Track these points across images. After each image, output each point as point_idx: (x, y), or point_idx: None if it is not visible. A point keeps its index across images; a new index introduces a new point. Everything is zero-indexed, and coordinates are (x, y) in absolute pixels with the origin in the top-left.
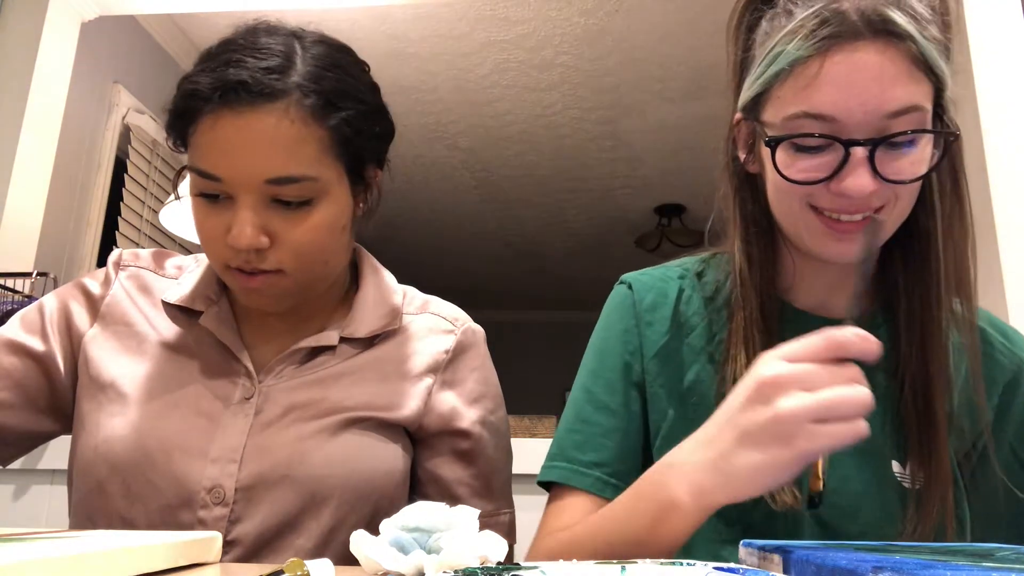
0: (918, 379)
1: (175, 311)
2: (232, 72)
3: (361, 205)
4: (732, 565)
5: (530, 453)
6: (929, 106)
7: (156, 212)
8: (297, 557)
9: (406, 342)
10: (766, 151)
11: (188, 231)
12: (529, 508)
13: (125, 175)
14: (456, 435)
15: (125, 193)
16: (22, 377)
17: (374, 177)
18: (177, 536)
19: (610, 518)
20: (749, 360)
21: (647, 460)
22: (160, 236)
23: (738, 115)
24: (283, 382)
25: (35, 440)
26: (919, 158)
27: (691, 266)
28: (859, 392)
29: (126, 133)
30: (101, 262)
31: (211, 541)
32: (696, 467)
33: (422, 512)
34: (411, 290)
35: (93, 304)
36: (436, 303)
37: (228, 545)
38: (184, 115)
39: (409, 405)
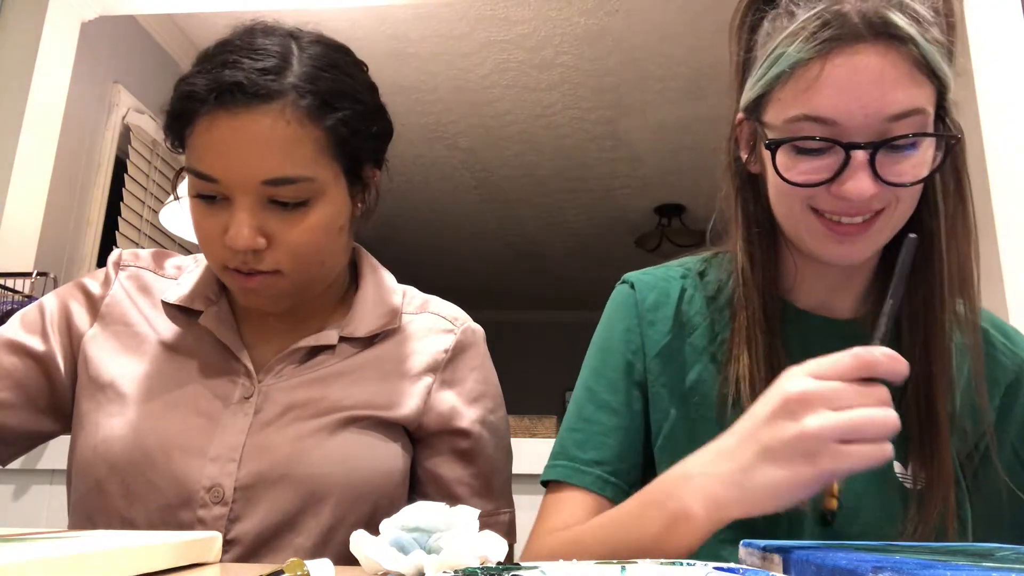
0: (921, 380)
1: (175, 311)
2: (228, 73)
3: (359, 205)
4: (732, 565)
5: (530, 453)
6: (931, 109)
7: (156, 212)
8: (296, 556)
9: (406, 341)
10: (767, 153)
11: (188, 231)
12: (529, 508)
13: (125, 175)
14: (456, 434)
15: (125, 193)
16: (22, 377)
17: (372, 177)
18: (177, 536)
19: (616, 522)
20: (751, 360)
21: (648, 460)
22: (160, 236)
23: (740, 115)
24: (282, 381)
25: (35, 440)
26: (920, 161)
27: (693, 265)
28: (887, 414)
29: (126, 133)
30: (101, 262)
31: (211, 541)
32: (713, 479)
33: (422, 512)
34: (411, 290)
35: (93, 304)
36: (435, 303)
37: (228, 544)
38: (181, 116)
39: (408, 404)
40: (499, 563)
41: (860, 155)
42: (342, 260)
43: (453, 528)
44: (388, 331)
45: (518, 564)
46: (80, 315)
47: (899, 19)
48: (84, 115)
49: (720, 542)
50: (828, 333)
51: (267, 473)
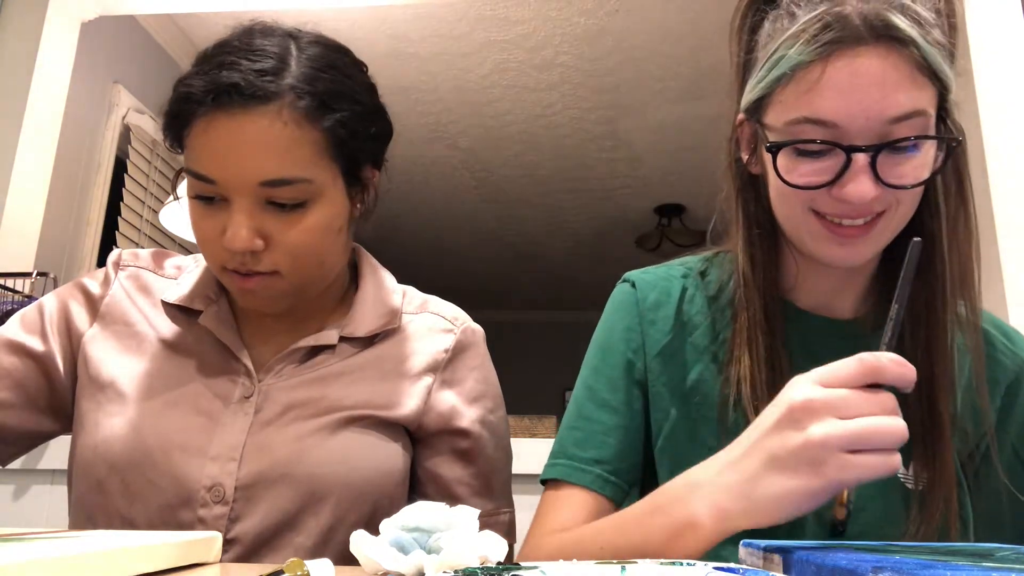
0: (922, 381)
1: (174, 311)
2: (225, 75)
3: (358, 206)
4: (732, 565)
5: (530, 453)
6: (932, 111)
7: (156, 212)
8: (297, 556)
9: (405, 341)
10: (768, 155)
11: (188, 231)
12: (529, 508)
13: (125, 175)
14: (456, 434)
15: (125, 193)
16: (22, 377)
17: (371, 178)
18: (177, 536)
19: (620, 527)
20: (752, 362)
21: (648, 459)
22: (160, 236)
23: (741, 116)
24: (282, 381)
25: (35, 440)
26: (922, 163)
27: (694, 265)
28: (894, 423)
29: (126, 133)
30: (101, 262)
31: (211, 541)
32: (720, 489)
33: (422, 512)
34: (410, 290)
35: (93, 304)
36: (435, 302)
37: (228, 543)
38: (178, 117)
39: (408, 404)
40: (499, 563)
41: (861, 158)
42: (341, 260)
43: (453, 528)
44: (388, 331)
45: (518, 564)
46: (80, 315)
47: (900, 21)
48: (84, 115)
49: (720, 542)
50: (829, 333)
51: (267, 472)
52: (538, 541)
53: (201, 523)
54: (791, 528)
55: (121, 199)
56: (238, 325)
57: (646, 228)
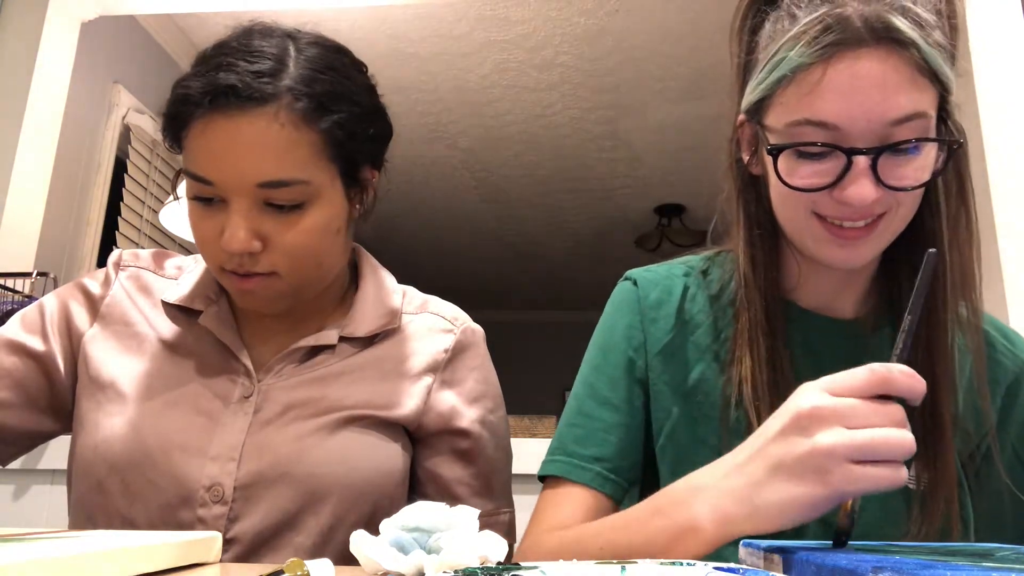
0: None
1: (175, 311)
2: (222, 76)
3: (357, 207)
4: (732, 565)
5: (530, 453)
6: (933, 112)
7: (156, 212)
8: (296, 555)
9: (405, 341)
10: (769, 157)
11: (188, 231)
12: (529, 508)
13: (125, 175)
14: (456, 434)
15: (125, 193)
16: (22, 377)
17: (370, 179)
18: (177, 536)
19: (621, 528)
20: (754, 362)
21: (648, 458)
22: (160, 236)
23: (741, 116)
24: (282, 381)
25: (35, 439)
26: (923, 164)
27: (696, 264)
28: (902, 436)
29: (126, 133)
30: (101, 262)
31: (211, 541)
32: (723, 494)
33: (422, 512)
34: (410, 290)
35: (93, 304)
36: (435, 303)
37: (227, 543)
38: (177, 119)
39: (408, 404)
40: (499, 563)
41: (862, 160)
42: (340, 261)
43: (453, 528)
44: (388, 331)
45: (518, 564)
46: (80, 315)
47: (901, 23)
48: (84, 115)
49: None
50: (830, 333)
51: (267, 472)
52: (537, 539)
53: (201, 523)
54: (793, 529)
55: (121, 199)
56: (238, 325)
57: (646, 228)
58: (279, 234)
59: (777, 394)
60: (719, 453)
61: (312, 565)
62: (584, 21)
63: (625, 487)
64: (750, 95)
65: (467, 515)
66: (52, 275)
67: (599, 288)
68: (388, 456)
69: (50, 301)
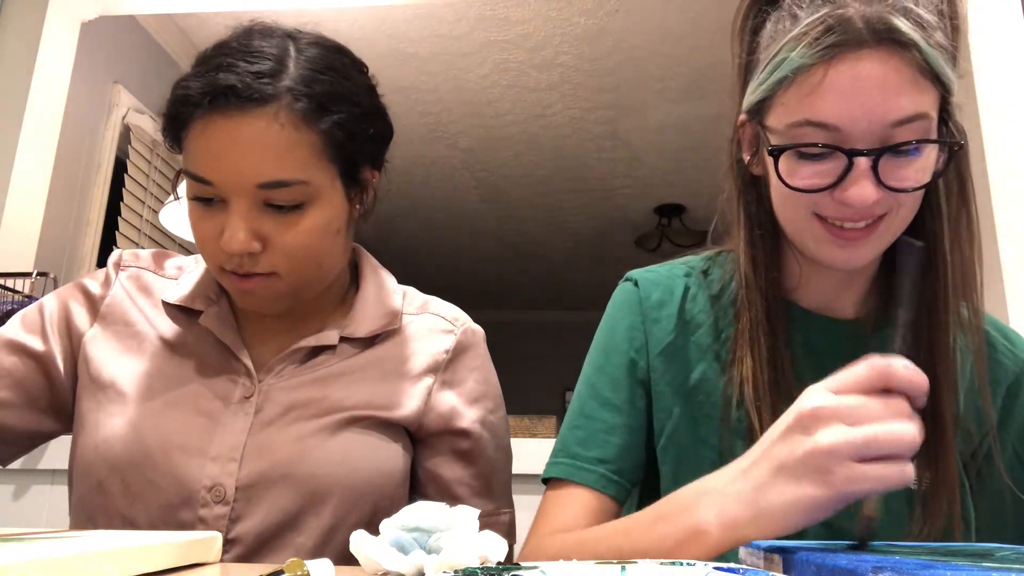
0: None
1: (175, 311)
2: (222, 77)
3: (357, 207)
4: (732, 565)
5: (530, 453)
6: (934, 113)
7: (156, 212)
8: (297, 555)
9: (406, 342)
10: (769, 157)
11: (188, 231)
12: (529, 508)
13: (125, 175)
14: (456, 435)
15: (125, 193)
16: (23, 377)
17: (371, 179)
18: (177, 536)
19: (626, 532)
20: (755, 363)
21: (649, 458)
22: (160, 236)
23: (742, 116)
24: (283, 381)
25: (36, 439)
26: (923, 166)
27: (696, 264)
28: (905, 429)
29: (126, 133)
30: (101, 262)
31: (211, 541)
32: (728, 498)
33: (422, 512)
34: (411, 290)
35: (93, 304)
36: (436, 303)
37: (228, 544)
38: (176, 119)
39: (409, 405)
40: (499, 563)
41: (863, 161)
42: (340, 261)
43: (453, 528)
44: (388, 332)
45: (518, 564)
46: (80, 315)
47: (903, 24)
48: (84, 115)
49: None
50: (832, 333)
51: (268, 473)
52: (540, 541)
53: (202, 523)
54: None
55: (121, 199)
56: (239, 325)
57: (646, 228)
58: (279, 234)
59: (778, 395)
60: (720, 453)
61: (312, 565)
62: (584, 21)
63: (628, 488)
64: (751, 95)
65: (467, 515)
66: (52, 275)
67: (599, 288)
68: (389, 457)
69: (50, 301)
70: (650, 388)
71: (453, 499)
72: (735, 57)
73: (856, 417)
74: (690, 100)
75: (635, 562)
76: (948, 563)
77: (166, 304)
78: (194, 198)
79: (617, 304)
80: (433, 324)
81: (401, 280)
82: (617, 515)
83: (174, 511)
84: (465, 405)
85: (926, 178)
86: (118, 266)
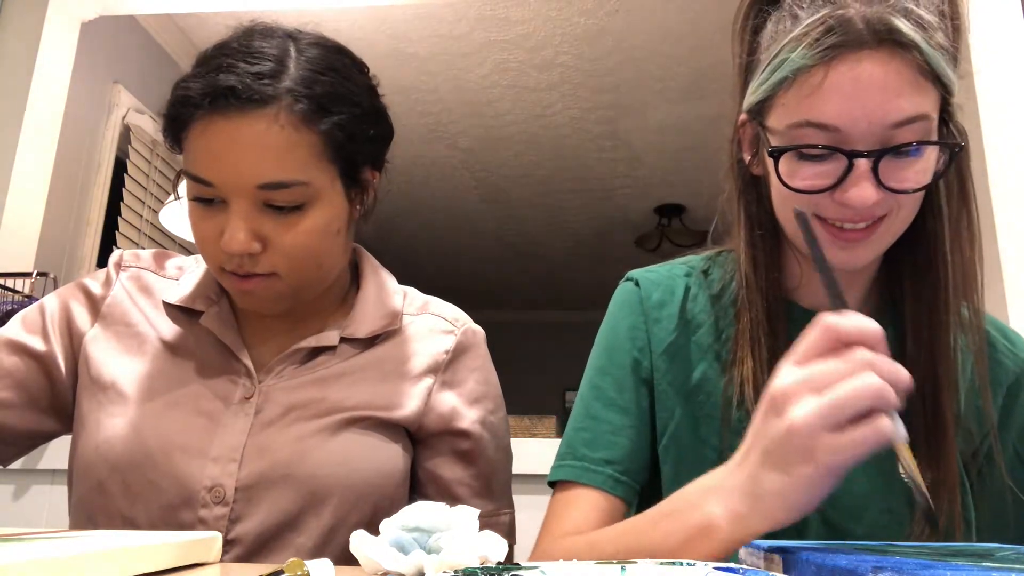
0: (926, 381)
1: (176, 311)
2: (222, 78)
3: (358, 208)
4: (732, 565)
5: (530, 453)
6: (935, 114)
7: (156, 212)
8: (297, 556)
9: (406, 342)
10: (770, 158)
11: (188, 231)
12: (529, 508)
13: (125, 175)
14: (456, 435)
15: (125, 193)
16: (23, 377)
17: (371, 180)
18: (177, 536)
19: (635, 531)
20: (755, 363)
21: (653, 459)
22: (160, 236)
23: (743, 117)
24: (283, 382)
25: (36, 440)
26: (924, 167)
27: (697, 264)
28: (867, 380)
29: (126, 133)
30: (101, 262)
31: (211, 541)
32: (731, 492)
33: (422, 512)
34: (411, 291)
35: (94, 304)
36: (436, 304)
37: (228, 544)
38: (177, 120)
39: (409, 405)
40: (499, 563)
41: (863, 163)
42: (340, 262)
43: (453, 528)
44: (389, 332)
45: (518, 564)
46: (81, 315)
47: (903, 25)
48: (84, 115)
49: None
50: None
51: (268, 473)
52: (551, 544)
53: (202, 523)
54: (796, 528)
55: (121, 199)
56: (239, 326)
57: (646, 228)
58: (279, 235)
59: None
60: (721, 453)
61: (312, 565)
62: (584, 21)
63: (636, 489)
64: (751, 96)
65: (467, 515)
66: (52, 275)
67: (599, 288)
68: (389, 457)
69: (51, 301)
70: (653, 387)
71: (453, 499)
72: (735, 57)
73: (820, 382)
74: (690, 100)
75: (635, 562)
76: (948, 563)
77: (167, 304)
78: (194, 199)
79: (618, 304)
80: (433, 324)
81: (401, 280)
82: (626, 515)
83: (174, 511)
84: (465, 406)
85: (926, 179)
86: (119, 266)
